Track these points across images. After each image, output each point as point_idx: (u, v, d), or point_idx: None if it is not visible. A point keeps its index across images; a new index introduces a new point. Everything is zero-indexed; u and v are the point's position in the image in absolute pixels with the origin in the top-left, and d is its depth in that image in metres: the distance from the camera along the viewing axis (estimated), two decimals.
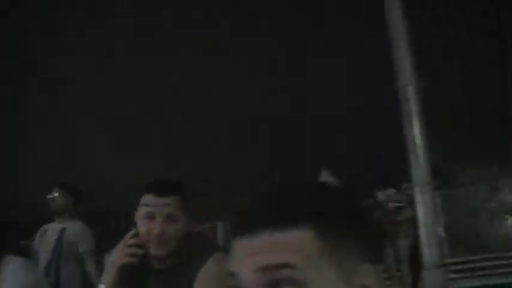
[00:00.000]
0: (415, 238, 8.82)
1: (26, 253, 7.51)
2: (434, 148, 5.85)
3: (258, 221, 1.37)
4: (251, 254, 1.34)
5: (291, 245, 1.32)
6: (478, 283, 10.72)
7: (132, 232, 3.56)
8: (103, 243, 7.37)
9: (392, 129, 6.14)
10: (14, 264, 4.65)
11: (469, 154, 19.52)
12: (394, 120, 5.92)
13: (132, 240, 3.53)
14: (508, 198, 18.59)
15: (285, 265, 1.30)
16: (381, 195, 10.44)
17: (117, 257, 3.57)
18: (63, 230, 7.93)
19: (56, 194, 8.06)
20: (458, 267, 11.19)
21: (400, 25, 5.89)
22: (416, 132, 5.77)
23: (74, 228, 7.99)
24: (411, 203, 9.23)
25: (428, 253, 5.56)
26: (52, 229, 8.01)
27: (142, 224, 3.52)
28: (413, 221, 8.96)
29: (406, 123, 5.81)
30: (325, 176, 9.89)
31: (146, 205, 3.50)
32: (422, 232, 5.64)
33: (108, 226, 10.53)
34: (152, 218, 3.48)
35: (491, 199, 18.61)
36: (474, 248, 15.57)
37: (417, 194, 5.67)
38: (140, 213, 3.54)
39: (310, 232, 1.33)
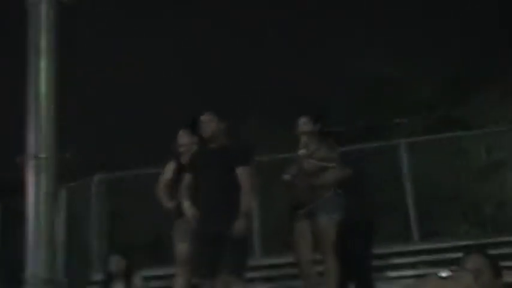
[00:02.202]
0: (345, 213, 8.57)
1: None
2: None
3: None
4: None
5: None
6: None
7: None
8: None
9: None
10: None
11: None
12: None
13: None
14: None
15: None
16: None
17: None
18: None
19: None
20: None
21: None
22: (42, 75, 4.59)
23: None
24: (341, 160, 8.91)
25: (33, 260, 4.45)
26: None
27: None
28: (342, 187, 8.68)
29: (31, 56, 4.67)
30: None
31: None
32: (30, 227, 4.48)
33: None
34: None
35: None
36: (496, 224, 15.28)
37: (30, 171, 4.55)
38: None
39: None
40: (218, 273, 7.84)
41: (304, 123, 8.88)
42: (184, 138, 8.68)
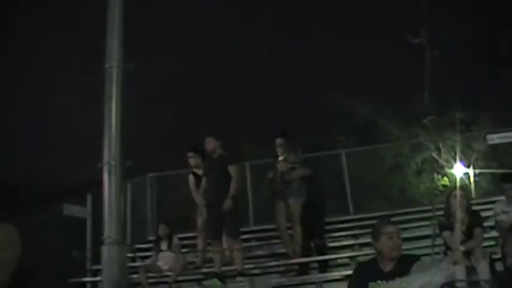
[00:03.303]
0: (307, 197, 8.54)
1: None
2: None
3: None
4: None
5: None
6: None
7: None
8: None
9: None
10: None
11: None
12: None
13: None
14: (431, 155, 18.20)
15: None
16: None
17: None
18: None
19: None
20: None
21: (114, 9, 4.71)
22: (113, 112, 4.59)
23: None
24: (303, 163, 8.86)
25: (108, 230, 4.43)
26: None
27: None
28: (305, 180, 8.65)
29: (106, 104, 4.61)
30: None
31: None
32: (105, 208, 4.49)
33: None
34: None
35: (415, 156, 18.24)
36: (400, 202, 15.32)
37: (105, 173, 4.52)
38: None
39: None
40: (221, 236, 8.08)
41: (279, 140, 8.89)
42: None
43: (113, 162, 4.34)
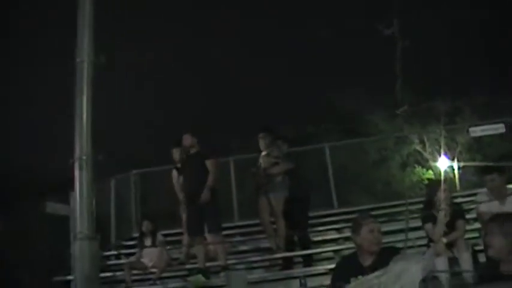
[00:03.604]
0: (290, 191, 8.51)
1: None
2: None
3: None
4: None
5: None
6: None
7: None
8: None
9: None
10: None
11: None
12: None
13: None
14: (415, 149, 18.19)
15: None
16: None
17: None
18: None
19: None
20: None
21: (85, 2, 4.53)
22: (84, 107, 4.41)
23: None
24: (286, 158, 8.82)
25: (80, 225, 4.36)
26: None
27: None
28: (288, 174, 8.62)
29: (77, 98, 4.44)
30: None
31: None
32: (77, 204, 4.38)
33: None
34: None
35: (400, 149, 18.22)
36: (385, 195, 15.30)
37: (76, 168, 4.40)
38: None
39: None
40: (202, 232, 8.05)
41: (262, 135, 8.84)
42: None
43: (84, 157, 4.27)
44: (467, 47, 18.86)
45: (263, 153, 8.85)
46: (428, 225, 6.71)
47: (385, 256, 4.02)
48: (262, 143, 8.87)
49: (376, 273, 3.76)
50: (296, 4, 21.59)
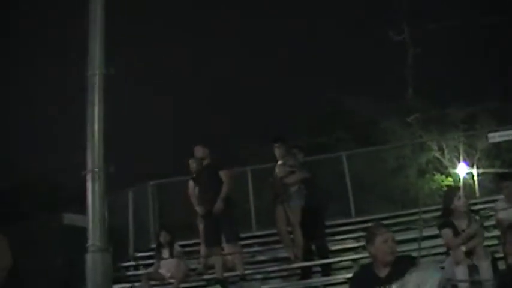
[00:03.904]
0: (306, 200, 8.43)
1: None
2: None
3: None
4: None
5: None
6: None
7: None
8: None
9: None
10: None
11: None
12: None
13: None
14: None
15: None
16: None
17: None
18: None
19: None
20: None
21: (96, 16, 4.53)
22: (95, 118, 4.41)
23: None
24: (302, 166, 8.75)
25: (92, 237, 4.33)
26: None
27: None
28: (304, 184, 8.55)
29: (88, 110, 4.43)
30: None
31: None
32: (89, 216, 4.37)
33: None
34: None
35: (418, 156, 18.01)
36: (404, 203, 15.14)
37: (88, 180, 4.39)
38: None
39: None
40: (219, 242, 8.04)
41: (277, 145, 8.82)
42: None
43: (96, 170, 4.28)
44: (479, 52, 18.75)
45: (279, 162, 8.82)
46: (446, 231, 6.58)
47: (401, 266, 3.96)
48: (277, 152, 8.84)
49: (394, 286, 3.70)
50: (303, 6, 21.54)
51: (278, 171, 8.75)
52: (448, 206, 6.71)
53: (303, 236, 8.45)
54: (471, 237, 6.48)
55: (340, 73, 20.38)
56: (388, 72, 19.33)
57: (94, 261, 4.21)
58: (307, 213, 8.45)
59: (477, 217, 6.84)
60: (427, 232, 8.89)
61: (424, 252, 6.76)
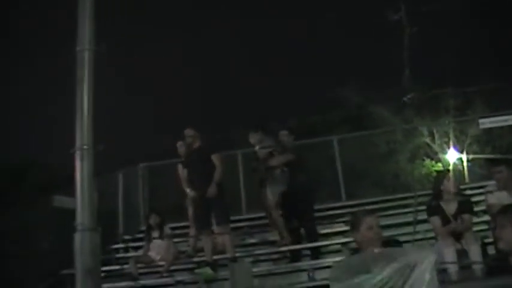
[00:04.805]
0: (291, 183, 8.36)
1: None
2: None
3: None
4: None
5: None
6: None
7: None
8: None
9: None
10: None
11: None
12: None
13: None
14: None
15: None
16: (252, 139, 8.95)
17: None
18: None
19: None
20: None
21: None
22: (84, 96, 4.34)
23: None
24: (290, 149, 8.67)
25: (81, 216, 4.29)
26: None
27: None
28: (288, 166, 8.48)
29: (77, 87, 4.36)
30: None
31: None
32: (78, 194, 4.35)
33: None
34: None
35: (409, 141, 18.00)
36: (394, 188, 15.13)
37: (77, 159, 4.33)
38: None
39: None
40: (209, 225, 7.99)
41: (251, 135, 8.91)
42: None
43: (85, 147, 4.20)
44: (475, 36, 18.68)
45: (256, 147, 8.80)
46: (434, 219, 6.59)
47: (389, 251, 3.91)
48: (254, 139, 8.85)
49: (385, 273, 3.65)
50: None
51: (259, 154, 8.74)
52: (437, 188, 6.71)
53: (289, 219, 8.43)
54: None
55: (331, 57, 20.37)
56: (383, 56, 19.28)
57: (82, 240, 4.16)
58: (292, 196, 8.36)
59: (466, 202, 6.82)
60: (417, 216, 8.94)
61: (419, 236, 6.80)
